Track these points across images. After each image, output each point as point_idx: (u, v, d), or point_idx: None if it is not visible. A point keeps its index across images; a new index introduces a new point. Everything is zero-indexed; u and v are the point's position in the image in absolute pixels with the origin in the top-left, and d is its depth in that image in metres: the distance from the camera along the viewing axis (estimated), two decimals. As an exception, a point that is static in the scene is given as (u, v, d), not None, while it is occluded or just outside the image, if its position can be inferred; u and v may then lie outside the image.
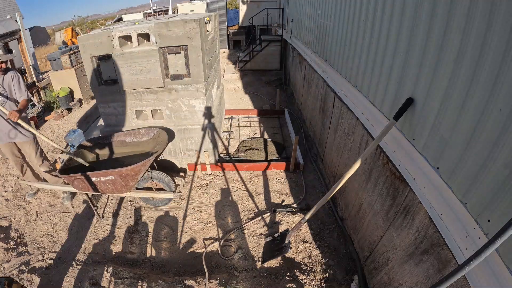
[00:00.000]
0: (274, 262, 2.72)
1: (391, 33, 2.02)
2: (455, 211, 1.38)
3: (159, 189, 3.37)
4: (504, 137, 1.11)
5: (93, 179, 2.82)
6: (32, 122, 5.69)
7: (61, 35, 15.06)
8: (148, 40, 3.24)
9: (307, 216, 2.44)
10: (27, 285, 2.58)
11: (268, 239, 2.85)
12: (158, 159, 3.98)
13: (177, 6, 11.55)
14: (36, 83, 7.12)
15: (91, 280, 2.54)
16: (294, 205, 3.45)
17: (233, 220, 3.28)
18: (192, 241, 3.04)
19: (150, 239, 3.09)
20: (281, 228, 3.06)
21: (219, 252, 2.87)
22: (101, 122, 4.55)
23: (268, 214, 3.29)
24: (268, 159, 4.29)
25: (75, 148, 2.78)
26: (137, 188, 3.34)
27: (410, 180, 1.76)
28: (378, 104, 2.27)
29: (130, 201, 3.59)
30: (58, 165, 3.08)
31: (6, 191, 3.84)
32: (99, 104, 3.63)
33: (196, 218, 3.32)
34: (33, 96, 6.76)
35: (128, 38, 3.24)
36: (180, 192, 3.37)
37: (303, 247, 2.86)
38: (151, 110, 3.67)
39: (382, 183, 2.19)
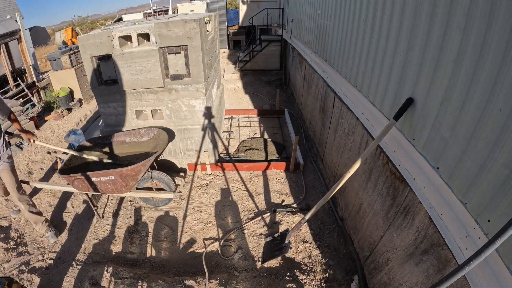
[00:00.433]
0: (274, 262, 2.72)
1: (391, 33, 2.02)
2: (455, 211, 1.38)
3: (159, 189, 3.37)
4: (504, 137, 1.11)
5: (93, 179, 2.82)
6: (32, 122, 5.70)
7: (61, 35, 15.07)
8: (148, 40, 3.25)
9: (307, 216, 2.44)
10: (27, 285, 2.58)
11: (268, 239, 2.85)
12: (158, 159, 3.98)
13: (177, 6, 11.55)
14: (36, 83, 7.12)
15: (91, 280, 2.54)
16: (294, 205, 3.45)
17: (233, 220, 3.28)
18: (192, 241, 3.04)
19: (150, 239, 3.09)
20: (281, 228, 3.06)
21: (219, 252, 2.87)
22: (101, 122, 4.55)
23: (268, 214, 3.29)
24: (268, 159, 4.29)
25: (75, 148, 2.78)
26: (137, 188, 3.34)
27: (410, 180, 1.76)
28: (378, 104, 2.27)
29: (130, 201, 3.59)
30: (59, 165, 3.08)
31: (6, 191, 3.84)
32: (99, 104, 3.63)
33: (196, 218, 3.32)
34: (33, 96, 6.76)
35: (128, 38, 3.25)
36: (180, 192, 3.37)
37: (303, 247, 2.86)
38: (151, 110, 3.67)
39: (382, 183, 2.19)
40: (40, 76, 7.57)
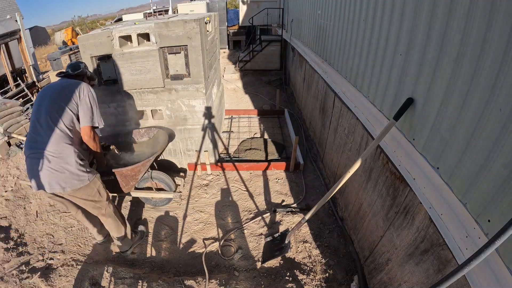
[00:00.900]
0: (274, 262, 2.72)
1: (391, 33, 2.02)
2: (455, 211, 1.38)
3: (159, 189, 3.37)
4: (504, 137, 1.11)
5: (93, 179, 2.81)
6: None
7: (61, 35, 15.08)
8: (148, 40, 3.25)
9: (307, 216, 2.44)
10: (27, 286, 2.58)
11: (268, 239, 2.85)
12: (158, 159, 3.98)
13: (177, 6, 11.55)
14: (36, 83, 7.12)
15: (91, 280, 2.54)
16: (294, 205, 3.45)
17: (233, 220, 3.28)
18: (192, 241, 3.04)
19: (150, 239, 3.09)
20: (281, 228, 3.06)
21: (219, 252, 2.87)
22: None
23: (268, 214, 3.29)
24: (268, 159, 4.29)
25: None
26: (137, 188, 3.34)
27: (410, 180, 1.76)
28: (378, 104, 2.27)
29: (130, 201, 3.59)
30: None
31: (6, 191, 3.84)
32: (99, 104, 3.63)
33: (196, 218, 3.32)
34: (33, 96, 6.76)
35: (128, 38, 3.25)
36: (180, 192, 3.37)
37: (303, 247, 2.86)
38: (151, 110, 3.67)
39: (382, 183, 2.19)
40: (40, 76, 7.57)
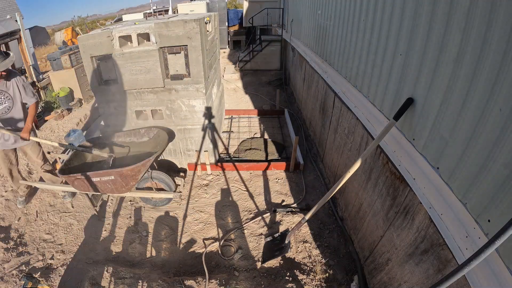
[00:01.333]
0: (274, 262, 2.72)
1: (391, 33, 2.02)
2: (455, 211, 1.38)
3: (159, 189, 3.37)
4: (504, 137, 1.11)
5: (93, 179, 2.82)
6: (32, 122, 5.69)
7: (61, 35, 15.08)
8: (148, 40, 3.25)
9: (307, 216, 2.44)
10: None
11: (268, 239, 2.85)
12: (158, 159, 3.98)
13: (177, 6, 11.55)
14: (36, 83, 7.12)
15: (91, 280, 2.54)
16: (294, 205, 3.45)
17: (233, 220, 3.28)
18: (192, 241, 3.04)
19: (150, 239, 3.09)
20: (281, 228, 3.06)
21: (219, 252, 2.87)
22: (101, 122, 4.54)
23: (268, 214, 3.29)
24: (268, 159, 4.29)
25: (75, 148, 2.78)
26: (137, 188, 3.34)
27: (410, 180, 1.76)
28: (378, 104, 2.27)
29: (130, 201, 3.59)
30: (58, 165, 3.08)
31: (6, 191, 3.84)
32: (99, 104, 3.64)
33: (196, 218, 3.32)
34: (33, 96, 6.75)
35: (128, 38, 3.24)
36: (180, 192, 3.37)
37: (303, 247, 2.86)
38: (151, 110, 3.67)
39: (382, 183, 2.19)
40: (40, 76, 7.57)
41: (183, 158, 4.08)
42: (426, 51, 1.60)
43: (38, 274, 2.68)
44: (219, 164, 4.09)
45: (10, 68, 2.85)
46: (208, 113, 3.73)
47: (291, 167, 4.00)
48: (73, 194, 3.59)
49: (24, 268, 2.75)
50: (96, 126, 5.57)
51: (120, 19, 11.03)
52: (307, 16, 5.11)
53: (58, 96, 6.64)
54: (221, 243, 2.96)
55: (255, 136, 5.02)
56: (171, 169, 4.12)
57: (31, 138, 2.93)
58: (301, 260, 2.74)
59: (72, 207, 3.55)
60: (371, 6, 2.37)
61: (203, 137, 3.87)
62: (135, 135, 3.43)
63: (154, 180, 3.29)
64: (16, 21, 6.80)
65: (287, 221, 3.13)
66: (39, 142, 3.34)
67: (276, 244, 2.72)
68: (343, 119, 3.15)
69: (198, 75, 3.40)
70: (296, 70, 6.70)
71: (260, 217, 3.24)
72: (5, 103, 2.85)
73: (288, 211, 3.27)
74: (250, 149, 4.50)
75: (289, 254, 2.77)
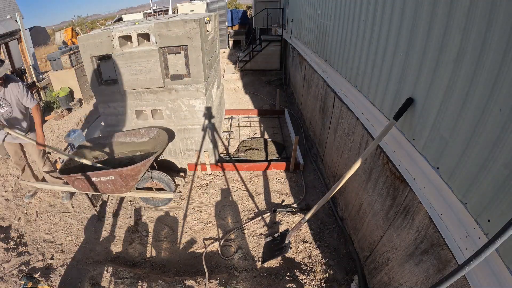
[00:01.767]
0: (274, 262, 2.72)
1: (391, 33, 2.02)
2: (455, 211, 1.38)
3: (159, 189, 3.37)
4: (504, 137, 1.11)
5: (94, 179, 2.82)
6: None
7: (61, 35, 15.07)
8: (148, 40, 3.25)
9: (307, 216, 2.44)
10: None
11: (268, 239, 2.85)
12: (158, 159, 3.98)
13: (177, 6, 11.55)
14: (36, 83, 7.12)
15: (91, 280, 2.54)
16: (294, 205, 3.45)
17: (233, 220, 3.28)
18: (192, 241, 3.04)
19: (150, 239, 3.09)
20: (281, 228, 3.06)
21: (219, 252, 2.87)
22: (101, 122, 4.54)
23: (268, 214, 3.29)
24: (268, 159, 4.29)
25: (75, 148, 2.79)
26: (137, 188, 3.34)
27: (410, 180, 1.76)
28: (378, 104, 2.27)
29: (130, 201, 3.59)
30: (58, 165, 3.09)
31: (6, 191, 3.84)
32: (99, 104, 3.63)
33: (196, 218, 3.32)
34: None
35: (128, 38, 3.24)
36: (180, 192, 3.37)
37: (303, 247, 2.86)
38: (151, 110, 3.67)
39: (382, 183, 2.19)
40: (40, 76, 7.57)
41: (183, 158, 4.08)
42: (426, 51, 1.60)
43: (38, 274, 2.68)
44: (219, 164, 4.09)
45: (8, 73, 2.89)
46: (208, 113, 3.73)
47: (291, 167, 4.00)
48: (71, 196, 3.60)
49: (24, 268, 2.75)
50: (96, 126, 5.57)
51: (120, 19, 11.03)
52: (307, 16, 5.11)
53: (58, 96, 6.64)
54: (221, 243, 2.96)
55: (255, 136, 5.02)
56: (171, 169, 4.12)
57: (46, 147, 3.06)
58: (301, 260, 2.74)
59: (72, 207, 3.55)
60: (371, 6, 2.37)
61: (203, 137, 3.87)
62: (135, 135, 3.43)
63: (154, 180, 3.29)
64: (16, 21, 6.80)
65: (287, 221, 3.13)
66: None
67: (276, 244, 2.72)
68: (343, 119, 3.15)
69: (198, 75, 3.40)
70: (296, 70, 6.70)
71: (260, 217, 3.24)
72: (6, 107, 2.96)
73: (288, 211, 3.27)
74: (250, 149, 4.50)
75: (289, 254, 2.77)
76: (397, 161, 1.92)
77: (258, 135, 5.08)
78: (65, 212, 3.48)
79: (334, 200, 3.39)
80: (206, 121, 3.77)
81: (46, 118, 6.38)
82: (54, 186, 3.37)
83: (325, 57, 3.96)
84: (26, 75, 7.15)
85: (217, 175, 4.04)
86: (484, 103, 1.20)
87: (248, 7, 20.51)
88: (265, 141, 4.71)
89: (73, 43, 13.28)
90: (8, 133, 3.09)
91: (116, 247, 2.99)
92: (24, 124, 3.20)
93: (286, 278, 2.55)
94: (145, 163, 2.78)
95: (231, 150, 4.60)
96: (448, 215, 1.42)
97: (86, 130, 5.68)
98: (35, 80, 7.14)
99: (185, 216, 3.35)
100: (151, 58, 3.25)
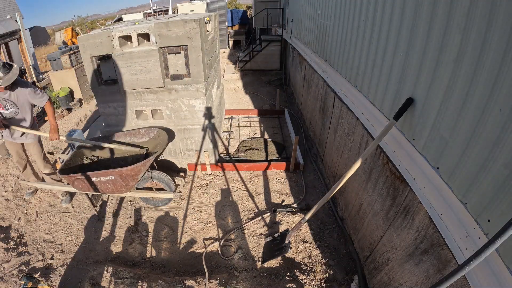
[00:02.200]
0: (274, 262, 2.72)
1: (391, 33, 2.02)
2: (455, 211, 1.38)
3: (159, 189, 3.37)
4: (504, 137, 1.11)
5: (93, 179, 2.82)
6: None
7: (61, 35, 15.06)
8: (148, 40, 3.24)
9: (307, 216, 2.44)
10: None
11: (268, 239, 2.85)
12: (158, 159, 3.98)
13: (177, 6, 11.54)
14: (36, 83, 7.12)
15: (91, 280, 2.54)
16: (294, 205, 3.45)
17: (233, 220, 3.28)
18: (192, 241, 3.04)
19: (150, 239, 3.09)
20: (281, 228, 3.06)
21: (219, 252, 2.87)
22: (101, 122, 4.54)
23: (268, 214, 3.29)
24: (268, 159, 4.29)
25: (75, 148, 2.79)
26: (137, 188, 3.34)
27: (410, 180, 1.76)
28: (378, 104, 2.27)
29: (130, 201, 3.59)
30: (58, 165, 3.09)
31: (6, 191, 3.84)
32: (99, 104, 3.64)
33: (196, 218, 3.32)
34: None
35: (128, 38, 3.24)
36: (180, 192, 3.37)
37: (303, 247, 2.86)
38: (151, 110, 3.67)
39: (382, 183, 2.19)
40: (40, 76, 7.57)
41: (183, 158, 4.08)
42: (426, 51, 1.60)
43: (38, 274, 2.68)
44: (219, 164, 4.09)
45: (18, 77, 2.87)
46: (208, 113, 3.73)
47: (291, 167, 4.00)
48: (70, 199, 3.60)
49: (24, 268, 2.75)
50: (96, 126, 5.57)
51: (120, 19, 11.03)
52: (307, 16, 5.11)
53: (58, 96, 6.64)
54: (221, 243, 2.96)
55: (255, 136, 5.02)
56: (171, 169, 4.12)
57: (61, 138, 3.08)
58: (301, 260, 2.74)
59: (72, 207, 3.55)
60: (371, 6, 2.37)
61: (203, 137, 3.87)
62: (135, 135, 3.43)
63: (154, 180, 3.29)
64: (16, 21, 6.80)
65: (287, 221, 3.13)
66: (41, 143, 3.39)
67: (276, 244, 2.72)
68: (343, 119, 3.15)
69: (198, 75, 3.40)
70: (296, 70, 6.70)
71: (260, 217, 3.24)
72: (11, 108, 2.97)
73: (288, 211, 3.27)
74: (250, 149, 4.50)
75: (289, 254, 2.77)
76: (397, 161, 1.92)
77: (258, 135, 5.08)
78: (65, 212, 3.48)
79: (334, 200, 3.39)
80: (206, 121, 3.77)
81: (46, 118, 6.38)
82: (53, 186, 3.36)
83: (325, 57, 3.96)
84: (26, 75, 7.16)
85: (217, 175, 4.04)
86: (484, 103, 1.20)
87: (248, 7, 20.50)
88: (265, 141, 4.71)
89: (73, 43, 13.28)
90: (10, 132, 3.11)
91: (116, 247, 2.99)
92: (27, 124, 3.21)
93: (286, 278, 2.55)
94: (145, 163, 2.78)
95: (231, 150, 4.60)
96: (448, 215, 1.42)
97: (86, 130, 5.68)
98: (35, 80, 7.15)
99: (185, 216, 3.35)
100: (151, 58, 3.25)
